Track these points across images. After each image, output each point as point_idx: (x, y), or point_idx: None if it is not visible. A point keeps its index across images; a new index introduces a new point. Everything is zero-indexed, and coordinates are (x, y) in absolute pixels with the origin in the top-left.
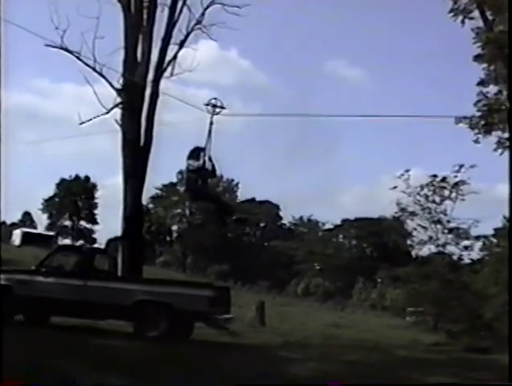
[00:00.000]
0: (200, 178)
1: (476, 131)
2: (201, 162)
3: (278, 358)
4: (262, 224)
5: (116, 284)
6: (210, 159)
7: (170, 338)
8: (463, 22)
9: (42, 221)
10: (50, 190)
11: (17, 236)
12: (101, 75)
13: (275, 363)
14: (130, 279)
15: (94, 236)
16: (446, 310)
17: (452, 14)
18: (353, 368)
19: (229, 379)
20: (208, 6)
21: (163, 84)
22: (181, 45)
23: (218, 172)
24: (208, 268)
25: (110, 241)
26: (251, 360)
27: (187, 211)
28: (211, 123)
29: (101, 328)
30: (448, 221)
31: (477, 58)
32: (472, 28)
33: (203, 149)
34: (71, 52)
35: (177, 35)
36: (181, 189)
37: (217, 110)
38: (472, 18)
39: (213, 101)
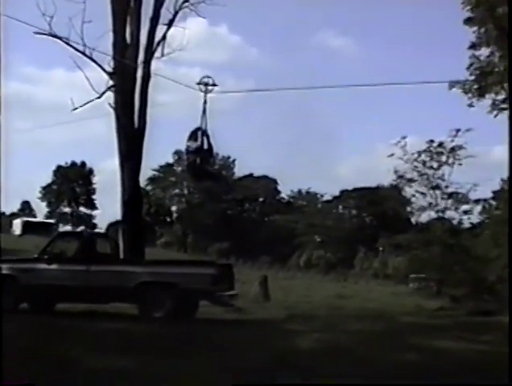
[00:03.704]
0: (200, 158)
1: (470, 95)
2: (199, 142)
3: (284, 331)
4: (260, 199)
5: (118, 267)
6: (208, 138)
7: (175, 317)
8: None
9: (41, 209)
10: (47, 177)
11: (17, 225)
12: (91, 59)
13: (281, 337)
14: (132, 261)
15: (94, 221)
16: (448, 274)
17: None
18: (359, 337)
19: (235, 355)
20: None
21: (154, 64)
22: (170, 24)
23: (214, 150)
24: (210, 247)
25: (110, 225)
26: (257, 335)
27: (186, 191)
28: (205, 102)
29: (107, 312)
30: (447, 186)
31: (468, 21)
32: None
33: (202, 130)
34: (59, 38)
35: (165, 15)
36: (178, 169)
37: (210, 88)
38: None
39: (205, 80)
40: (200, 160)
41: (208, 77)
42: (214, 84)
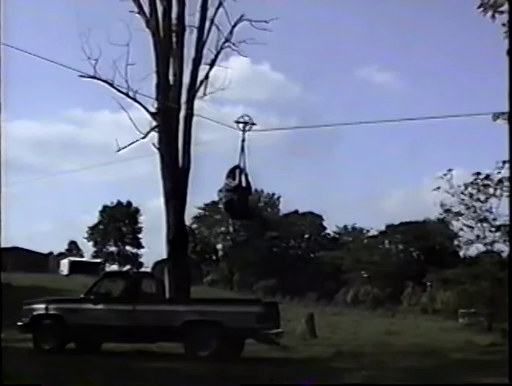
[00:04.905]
0: (237, 197)
1: None
2: (237, 180)
3: (331, 369)
4: (306, 236)
5: (164, 306)
6: (246, 176)
7: (221, 356)
8: (493, 16)
9: (88, 249)
10: (94, 217)
11: (64, 265)
12: (135, 100)
13: (328, 375)
14: (178, 300)
15: (140, 260)
16: (499, 309)
17: (481, 9)
18: (408, 375)
19: None
20: (236, 24)
21: (197, 104)
22: (212, 64)
23: (257, 188)
24: (256, 284)
25: (156, 264)
26: (304, 373)
27: (231, 229)
28: (243, 140)
29: (152, 351)
30: (495, 219)
31: (511, 52)
32: (503, 23)
33: (240, 168)
34: (104, 81)
35: (207, 55)
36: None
37: (248, 127)
38: (502, 12)
39: (243, 118)
40: (238, 198)
41: (246, 116)
42: (253, 123)
